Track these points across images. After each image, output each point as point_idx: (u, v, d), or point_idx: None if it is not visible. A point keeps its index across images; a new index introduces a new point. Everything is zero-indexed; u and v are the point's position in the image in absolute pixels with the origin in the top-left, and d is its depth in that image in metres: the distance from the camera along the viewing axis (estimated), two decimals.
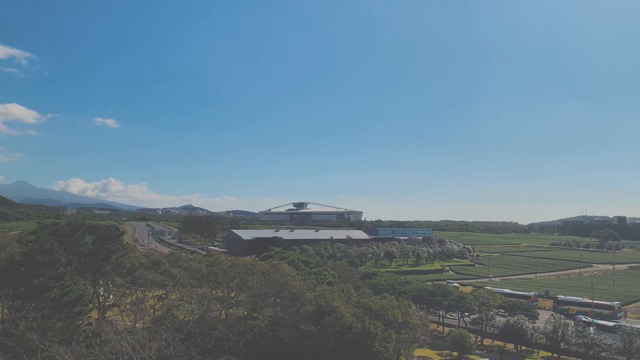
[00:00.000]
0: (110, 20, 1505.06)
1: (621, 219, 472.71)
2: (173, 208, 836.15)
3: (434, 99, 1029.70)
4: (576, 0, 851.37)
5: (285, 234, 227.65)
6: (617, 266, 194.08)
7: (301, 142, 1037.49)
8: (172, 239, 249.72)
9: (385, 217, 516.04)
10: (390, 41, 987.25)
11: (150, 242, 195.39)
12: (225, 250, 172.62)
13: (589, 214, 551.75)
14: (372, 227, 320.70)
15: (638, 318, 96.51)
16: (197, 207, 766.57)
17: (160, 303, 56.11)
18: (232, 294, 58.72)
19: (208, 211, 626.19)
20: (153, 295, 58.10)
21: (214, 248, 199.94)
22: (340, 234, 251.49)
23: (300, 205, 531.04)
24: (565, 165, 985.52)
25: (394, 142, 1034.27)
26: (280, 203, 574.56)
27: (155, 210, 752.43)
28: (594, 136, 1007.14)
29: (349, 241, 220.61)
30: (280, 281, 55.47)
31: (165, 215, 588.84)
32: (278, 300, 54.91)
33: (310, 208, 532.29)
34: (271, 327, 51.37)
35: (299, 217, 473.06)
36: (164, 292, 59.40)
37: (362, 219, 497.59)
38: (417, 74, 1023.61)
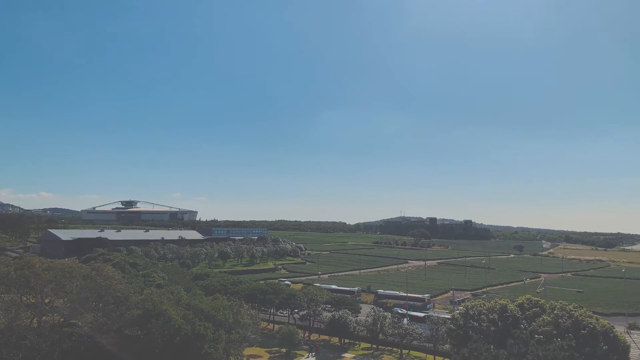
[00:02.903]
0: None
1: (432, 220, 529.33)
2: None
3: (270, 103, 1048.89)
4: (403, 23, 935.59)
5: (111, 234, 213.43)
6: (428, 262, 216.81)
7: (130, 135, 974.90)
8: None
9: (221, 217, 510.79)
10: (228, 41, 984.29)
11: None
12: None
13: (407, 215, 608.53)
14: (207, 227, 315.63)
15: (444, 308, 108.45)
16: (7, 204, 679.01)
17: None
18: (47, 300, 53.24)
19: (20, 208, 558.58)
20: None
21: None
22: (172, 234, 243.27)
23: (129, 203, 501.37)
24: (386, 170, 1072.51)
25: (230, 142, 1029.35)
26: (107, 201, 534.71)
27: None
28: (410, 145, 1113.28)
29: (181, 242, 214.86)
30: (104, 285, 51.73)
31: None
32: (100, 305, 51.19)
33: (141, 207, 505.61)
34: (92, 334, 47.78)
35: (127, 216, 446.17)
36: None
37: (197, 218, 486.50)
38: (257, 77, 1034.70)
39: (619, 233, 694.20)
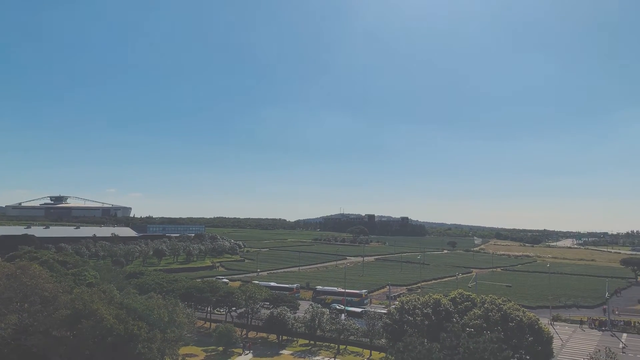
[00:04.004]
0: None
1: (371, 217, 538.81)
2: None
3: (209, 97, 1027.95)
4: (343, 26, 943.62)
5: (38, 231, 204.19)
6: (366, 258, 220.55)
7: (61, 128, 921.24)
8: None
9: (157, 214, 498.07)
10: (167, 34, 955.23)
11: None
12: None
13: (346, 212, 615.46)
14: (142, 224, 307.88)
15: (380, 304, 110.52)
16: None
17: None
18: None
19: None
20: None
21: None
22: (105, 231, 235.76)
23: (59, 199, 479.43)
24: (327, 167, 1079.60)
25: (167, 137, 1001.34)
26: (34, 196, 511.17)
27: None
28: (350, 143, 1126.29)
29: (114, 239, 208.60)
30: (30, 284, 49.28)
31: None
32: (26, 305, 48.72)
33: (71, 203, 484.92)
34: (16, 336, 45.38)
35: (57, 212, 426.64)
36: None
37: (132, 215, 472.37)
38: (195, 70, 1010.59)
39: (545, 230, 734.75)
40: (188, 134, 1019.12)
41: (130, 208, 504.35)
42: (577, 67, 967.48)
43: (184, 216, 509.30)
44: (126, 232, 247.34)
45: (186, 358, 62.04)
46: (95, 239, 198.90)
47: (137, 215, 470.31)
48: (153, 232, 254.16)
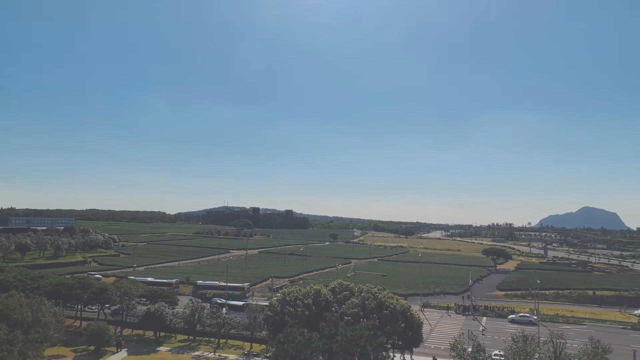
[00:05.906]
0: None
1: (255, 210, 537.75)
2: None
3: (80, 79, 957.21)
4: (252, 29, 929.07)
5: None
6: (250, 251, 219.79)
7: None
8: None
9: (20, 205, 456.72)
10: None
11: None
12: None
13: (230, 205, 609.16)
14: (2, 215, 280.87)
15: (262, 296, 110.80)
16: None
17: None
18: None
19: None
20: None
21: None
22: None
23: None
24: (210, 160, 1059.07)
25: (33, 120, 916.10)
26: None
27: None
28: (235, 136, 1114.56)
29: None
30: None
31: None
32: None
33: None
34: None
35: None
36: None
37: None
38: (75, 55, 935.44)
39: (417, 222, 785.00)
40: (56, 119, 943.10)
41: None
42: (449, 74, 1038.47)
43: (51, 208, 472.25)
44: None
45: (52, 359, 57.86)
46: None
47: None
48: (15, 225, 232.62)
